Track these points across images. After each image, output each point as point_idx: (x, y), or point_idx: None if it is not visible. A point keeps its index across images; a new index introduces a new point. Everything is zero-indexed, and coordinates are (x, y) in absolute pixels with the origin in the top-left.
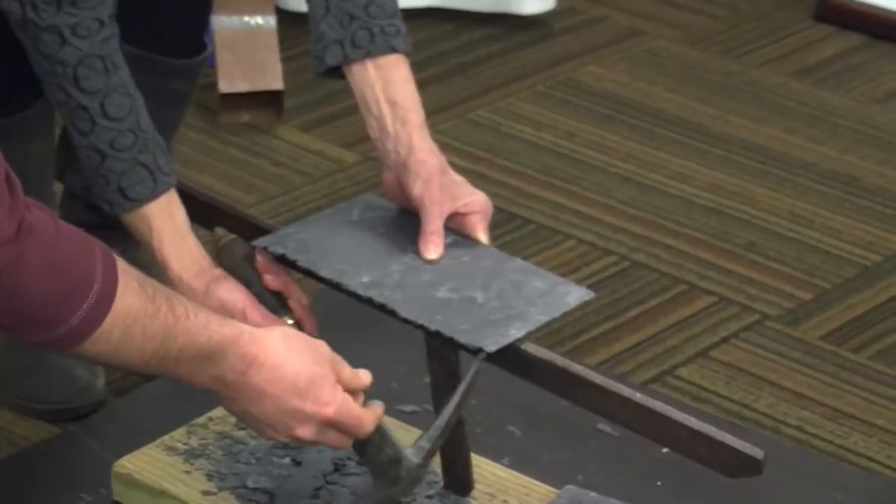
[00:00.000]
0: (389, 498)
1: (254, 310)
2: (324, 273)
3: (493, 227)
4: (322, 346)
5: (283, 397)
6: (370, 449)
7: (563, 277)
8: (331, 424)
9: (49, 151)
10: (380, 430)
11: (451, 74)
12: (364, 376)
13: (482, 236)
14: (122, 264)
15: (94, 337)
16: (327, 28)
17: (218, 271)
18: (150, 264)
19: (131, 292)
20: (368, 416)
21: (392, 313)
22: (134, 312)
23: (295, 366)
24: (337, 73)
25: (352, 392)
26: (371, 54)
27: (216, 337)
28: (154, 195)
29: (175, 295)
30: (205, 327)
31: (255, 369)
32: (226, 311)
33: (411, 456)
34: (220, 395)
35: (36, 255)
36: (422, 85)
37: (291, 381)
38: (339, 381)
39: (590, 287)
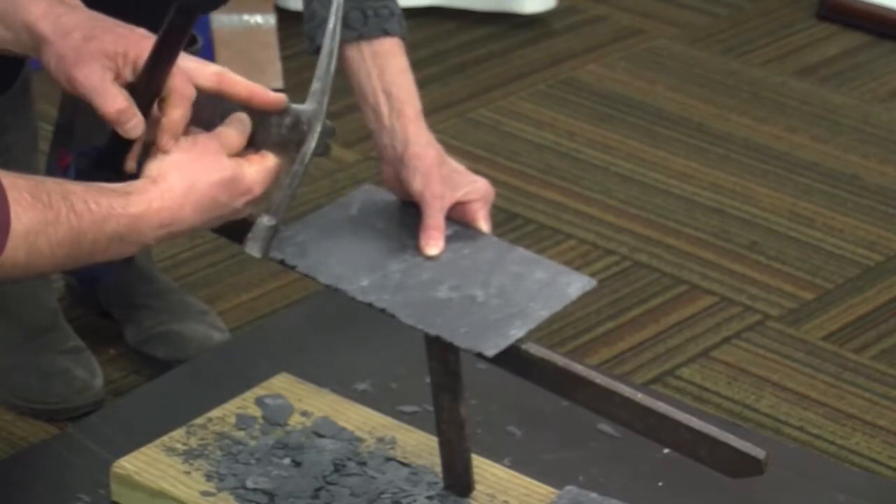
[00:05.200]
0: (307, 155)
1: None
2: (323, 279)
3: (494, 228)
4: (206, 143)
5: (214, 213)
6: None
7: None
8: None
9: (31, 141)
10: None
11: (452, 73)
12: (243, 118)
13: (483, 224)
14: (6, 179)
15: None
16: (319, 6)
17: None
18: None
19: (26, 208)
20: (270, 160)
21: (392, 317)
22: (35, 227)
23: (205, 187)
24: None
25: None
26: (363, 36)
27: (123, 220)
28: None
29: (70, 189)
30: (109, 214)
31: (176, 220)
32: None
33: (307, 107)
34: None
35: None
36: (422, 84)
37: (211, 202)
38: (231, 153)
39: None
